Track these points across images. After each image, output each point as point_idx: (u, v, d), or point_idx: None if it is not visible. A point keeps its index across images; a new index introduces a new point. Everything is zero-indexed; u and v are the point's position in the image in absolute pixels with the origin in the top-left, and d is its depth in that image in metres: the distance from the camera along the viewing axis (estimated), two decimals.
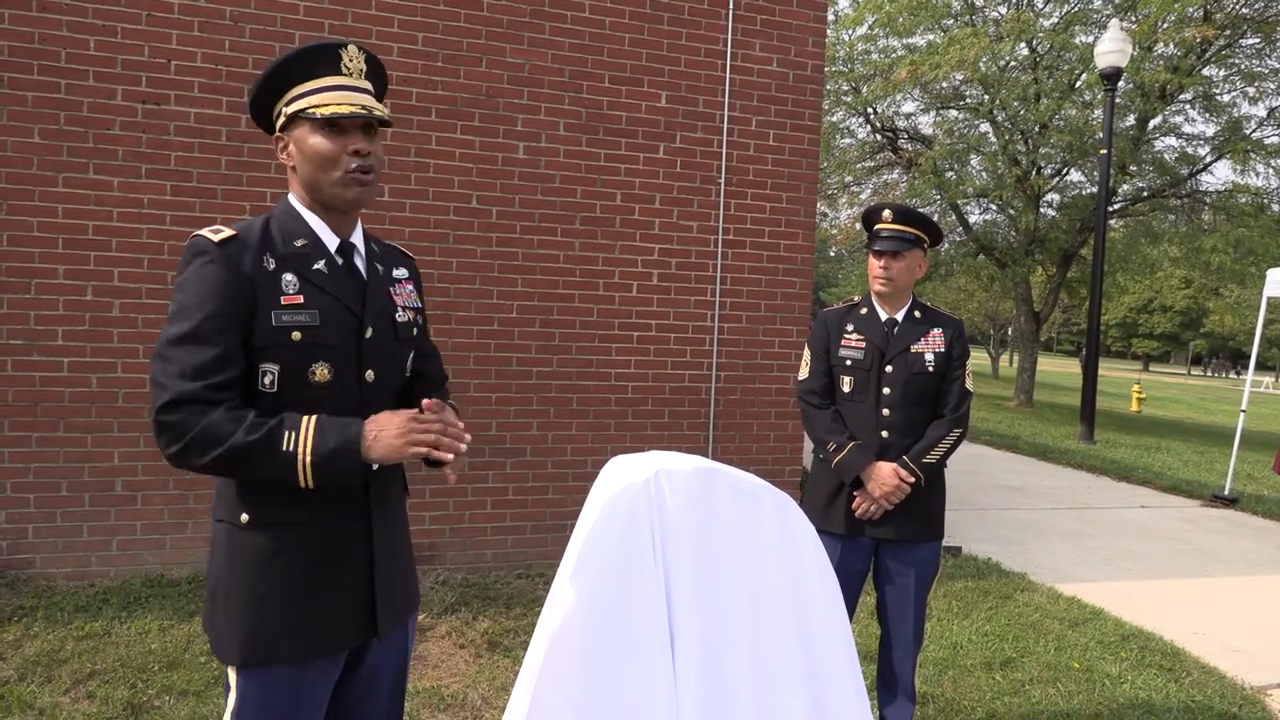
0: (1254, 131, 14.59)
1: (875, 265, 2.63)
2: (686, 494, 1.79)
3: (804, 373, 2.78)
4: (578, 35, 4.42)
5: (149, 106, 3.87)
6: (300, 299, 1.43)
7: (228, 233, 1.42)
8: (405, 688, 1.71)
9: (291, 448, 1.34)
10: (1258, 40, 13.95)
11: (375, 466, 1.46)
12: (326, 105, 1.43)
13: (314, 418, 1.38)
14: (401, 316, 1.61)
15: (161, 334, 1.38)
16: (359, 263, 1.55)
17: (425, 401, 1.44)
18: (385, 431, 1.39)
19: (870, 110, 16.44)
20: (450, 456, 1.41)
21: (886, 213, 2.63)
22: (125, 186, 3.85)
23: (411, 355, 1.66)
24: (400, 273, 1.66)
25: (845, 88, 16.16)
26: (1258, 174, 14.76)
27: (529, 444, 4.46)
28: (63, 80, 3.75)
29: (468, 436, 1.46)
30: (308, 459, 1.34)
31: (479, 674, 3.24)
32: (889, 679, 2.75)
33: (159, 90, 3.87)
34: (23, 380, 3.76)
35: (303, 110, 1.44)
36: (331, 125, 1.44)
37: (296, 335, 1.42)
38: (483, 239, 4.34)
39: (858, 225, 16.35)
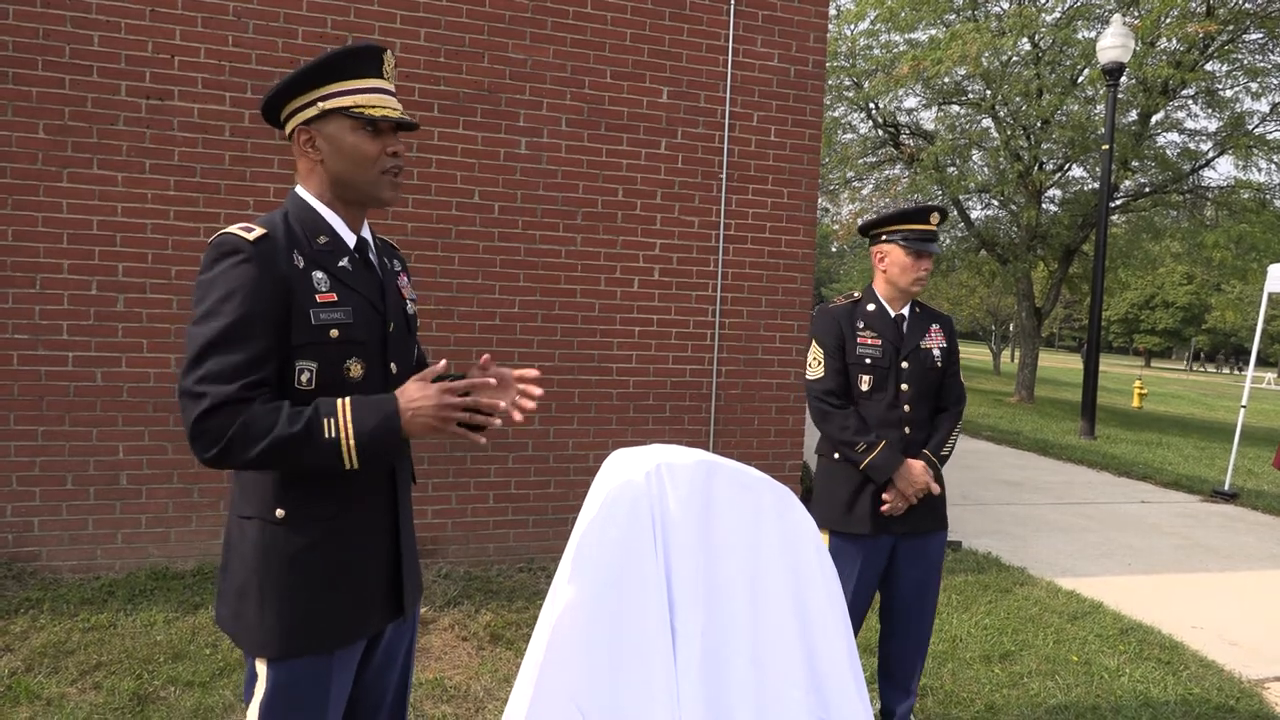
0: (1256, 127, 14.55)
1: (919, 265, 2.59)
2: (687, 487, 1.80)
3: (818, 372, 2.69)
4: (579, 30, 4.42)
5: (153, 102, 3.88)
6: (334, 297, 1.45)
7: (260, 231, 1.40)
8: (413, 666, 1.76)
9: (333, 434, 1.35)
10: (1260, 35, 13.91)
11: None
12: (374, 107, 1.46)
13: (347, 401, 1.39)
14: (410, 309, 1.66)
15: (191, 334, 1.36)
16: (372, 258, 1.58)
17: (444, 362, 1.48)
18: (421, 407, 1.40)
19: (872, 105, 16.42)
20: (482, 440, 1.47)
21: (935, 215, 2.60)
22: (129, 182, 3.87)
23: (416, 346, 1.71)
24: (396, 265, 1.69)
25: (847, 83, 16.13)
26: (1260, 169, 14.75)
27: (530, 438, 4.48)
28: (67, 76, 3.76)
29: (501, 405, 1.47)
30: (351, 443, 1.36)
31: (481, 666, 3.26)
32: (894, 672, 2.77)
33: (163, 86, 3.89)
34: (28, 375, 3.78)
35: (348, 108, 1.45)
36: (373, 125, 1.46)
37: (334, 333, 1.44)
38: (485, 234, 4.36)
39: (858, 220, 16.31)
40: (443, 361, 1.48)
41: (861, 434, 2.60)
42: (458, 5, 4.23)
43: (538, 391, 1.50)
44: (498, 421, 1.47)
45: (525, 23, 4.34)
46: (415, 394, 1.41)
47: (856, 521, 2.61)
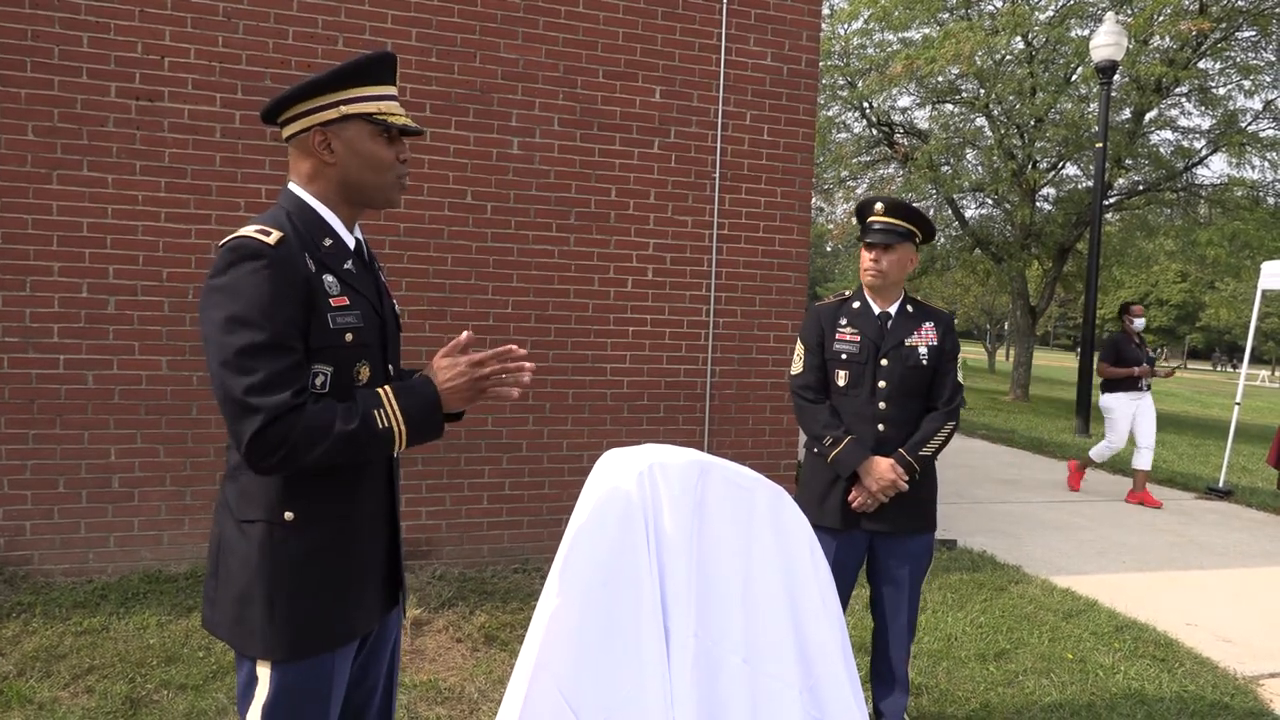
0: (1250, 124, 14.61)
1: (866, 258, 2.65)
2: (680, 487, 1.80)
3: (797, 367, 2.78)
4: (571, 30, 4.41)
5: (143, 103, 3.86)
6: (346, 300, 1.46)
7: (278, 234, 1.39)
8: (400, 657, 1.78)
9: (386, 424, 1.39)
10: (1253, 33, 13.96)
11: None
12: (395, 115, 1.49)
13: (388, 391, 1.43)
14: (397, 309, 1.68)
15: (222, 342, 1.32)
16: (366, 260, 1.58)
17: (467, 334, 1.52)
18: (456, 385, 1.46)
19: (866, 105, 16.45)
20: (516, 393, 1.52)
21: (879, 205, 2.64)
22: (119, 183, 3.85)
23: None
24: (378, 265, 1.70)
25: (841, 82, 16.17)
26: (1253, 167, 14.92)
27: (525, 439, 4.47)
28: (56, 77, 3.74)
29: (529, 366, 1.52)
30: (402, 430, 1.41)
31: (476, 667, 3.25)
32: (883, 671, 2.77)
33: (152, 87, 3.87)
34: (19, 377, 3.76)
35: (370, 114, 1.47)
36: (387, 132, 1.49)
37: (349, 337, 1.45)
38: (478, 234, 4.35)
39: (853, 220, 16.35)
40: (466, 333, 1.52)
41: (830, 428, 2.64)
42: (449, 5, 4.22)
43: (530, 366, 1.53)
44: (527, 379, 1.52)
45: (517, 22, 4.33)
46: (448, 371, 1.46)
47: (827, 514, 2.64)
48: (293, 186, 1.50)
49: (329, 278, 1.44)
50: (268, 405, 1.29)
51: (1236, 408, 8.09)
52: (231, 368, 1.30)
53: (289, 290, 1.36)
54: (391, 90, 1.52)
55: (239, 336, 1.31)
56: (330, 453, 1.35)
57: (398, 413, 1.40)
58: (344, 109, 1.46)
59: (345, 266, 1.48)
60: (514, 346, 1.50)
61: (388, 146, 1.50)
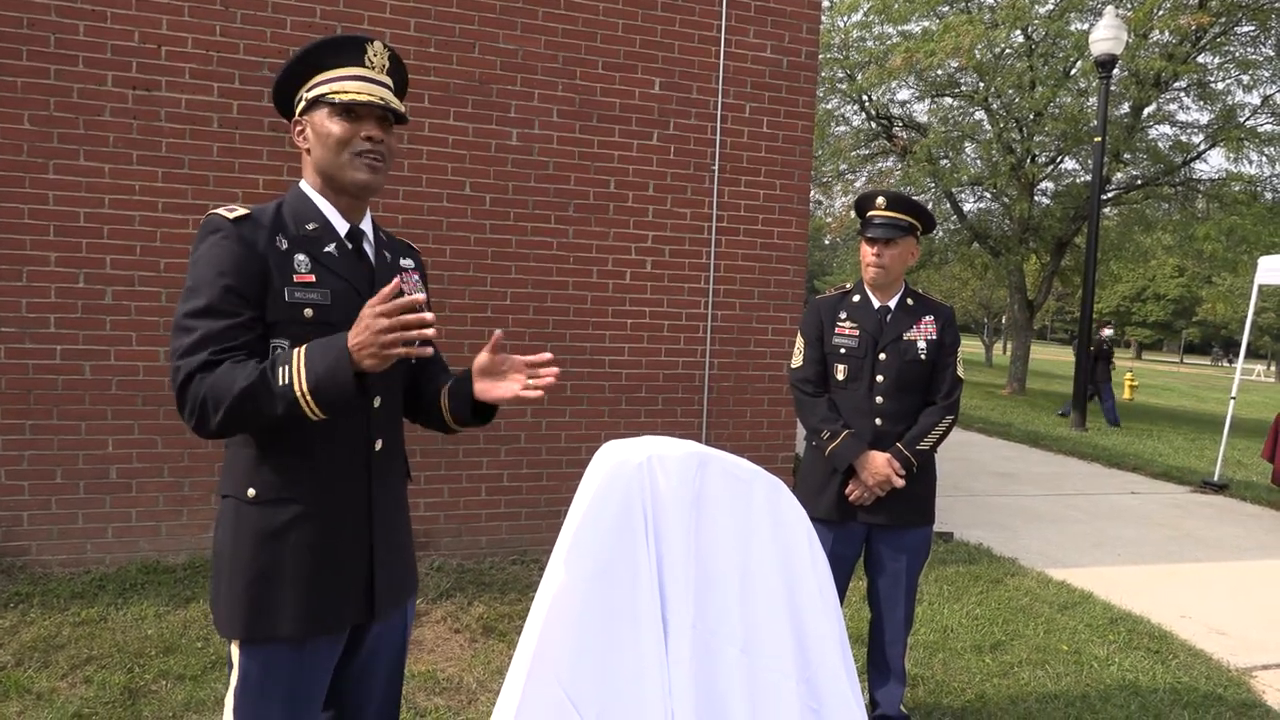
0: (1248, 119, 14.60)
1: (868, 252, 2.65)
2: (679, 478, 1.80)
3: (797, 360, 2.78)
4: (571, 21, 4.40)
5: (139, 92, 3.84)
6: (312, 278, 1.48)
7: (242, 211, 1.47)
8: (404, 668, 1.75)
9: (286, 381, 1.33)
10: (1253, 28, 13.94)
11: (377, 403, 1.54)
12: (346, 92, 1.49)
13: (303, 347, 1.36)
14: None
15: (177, 309, 1.42)
16: (368, 249, 1.59)
17: (395, 281, 1.34)
18: (362, 340, 1.31)
19: (865, 97, 16.41)
20: (430, 351, 1.38)
21: (880, 199, 2.64)
22: (116, 173, 3.83)
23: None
24: (407, 263, 1.70)
25: (840, 75, 16.14)
26: (1251, 162, 14.82)
27: (523, 430, 4.47)
28: (52, 66, 3.72)
29: (430, 326, 1.32)
30: (304, 387, 1.32)
31: (474, 658, 3.26)
32: (880, 662, 2.78)
33: (149, 76, 3.85)
34: (15, 368, 3.75)
35: (323, 95, 1.49)
36: (348, 111, 1.49)
37: (308, 313, 1.46)
38: (476, 226, 4.34)
39: (852, 213, 16.34)
40: (396, 279, 1.35)
41: (828, 422, 2.65)
42: None
43: (554, 370, 1.48)
44: (430, 333, 1.33)
45: (516, 13, 4.31)
46: (356, 328, 1.33)
47: (824, 506, 2.65)
48: (302, 178, 1.58)
49: (300, 256, 1.48)
50: (186, 363, 1.37)
51: (1232, 402, 8.11)
52: (176, 328, 1.41)
53: (242, 261, 1.41)
54: (356, 71, 1.52)
55: (186, 304, 1.41)
56: (236, 410, 1.34)
57: (301, 369, 1.32)
58: (306, 96, 1.53)
59: (325, 249, 1.51)
60: (418, 297, 1.32)
61: (348, 124, 1.49)
